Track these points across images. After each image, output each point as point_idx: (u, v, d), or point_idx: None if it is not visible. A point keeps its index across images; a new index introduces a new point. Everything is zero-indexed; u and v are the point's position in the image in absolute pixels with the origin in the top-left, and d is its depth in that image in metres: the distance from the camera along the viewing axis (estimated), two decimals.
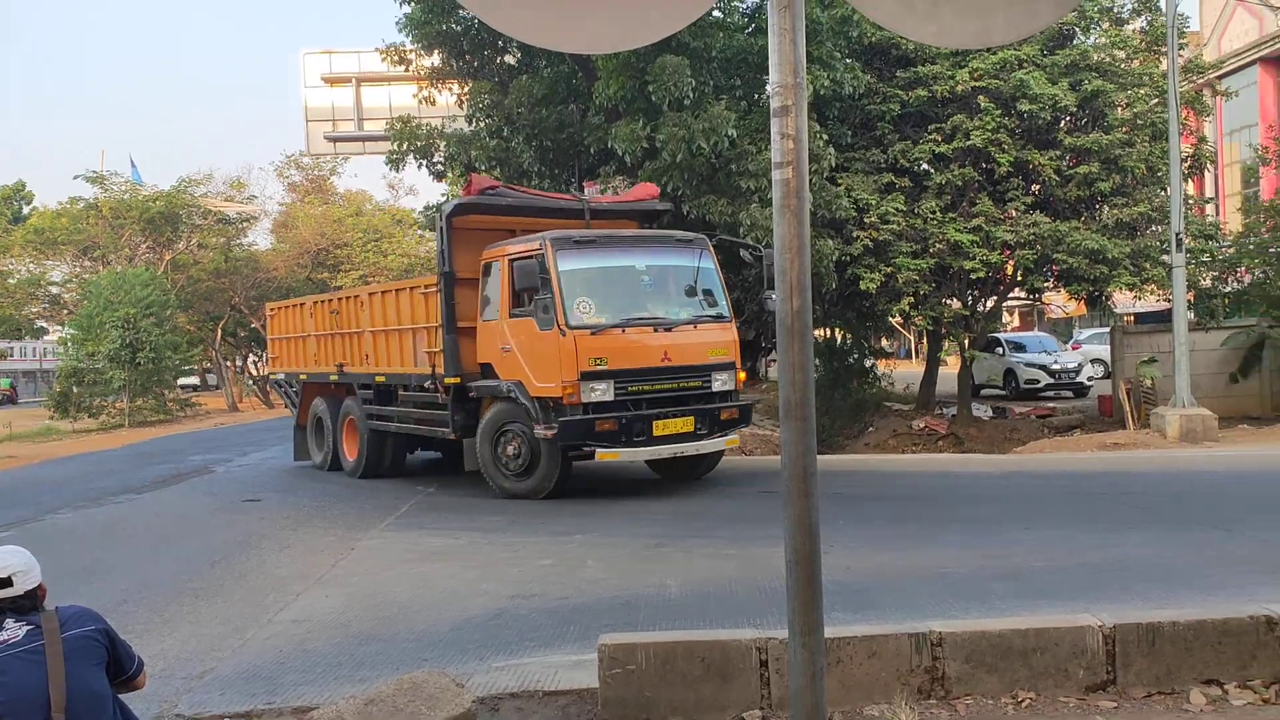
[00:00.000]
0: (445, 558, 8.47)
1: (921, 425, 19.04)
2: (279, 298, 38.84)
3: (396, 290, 13.26)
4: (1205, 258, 18.31)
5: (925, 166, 16.94)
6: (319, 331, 14.89)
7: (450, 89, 17.77)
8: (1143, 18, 18.28)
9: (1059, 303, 29.38)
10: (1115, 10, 18.19)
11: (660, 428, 10.73)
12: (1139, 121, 17.28)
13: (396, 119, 17.17)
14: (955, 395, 20.44)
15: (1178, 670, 4.36)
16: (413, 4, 15.95)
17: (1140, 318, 23.25)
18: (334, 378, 14.46)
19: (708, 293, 11.56)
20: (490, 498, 11.40)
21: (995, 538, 8.10)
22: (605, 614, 6.24)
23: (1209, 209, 32.45)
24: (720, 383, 11.25)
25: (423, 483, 13.16)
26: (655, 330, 10.95)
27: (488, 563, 8.11)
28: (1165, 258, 16.20)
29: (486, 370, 11.46)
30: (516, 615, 6.41)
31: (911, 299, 16.26)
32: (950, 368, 24.82)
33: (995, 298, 19.17)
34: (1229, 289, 19.66)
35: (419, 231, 37.71)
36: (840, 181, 15.86)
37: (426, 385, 12.17)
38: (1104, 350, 23.21)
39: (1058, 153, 16.71)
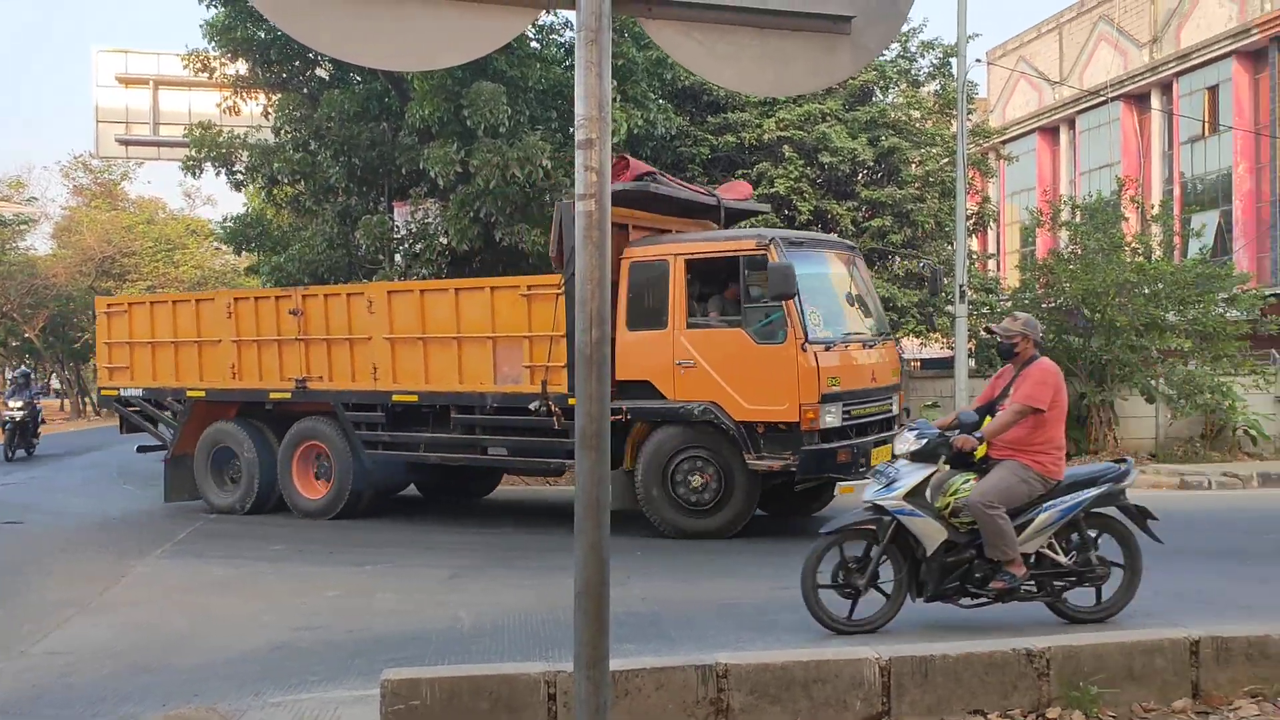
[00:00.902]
0: (226, 587, 8.05)
1: None
2: (58, 306, 36.40)
3: (460, 290, 10.90)
4: (985, 309, 19.56)
5: None
6: (245, 336, 11.77)
7: (256, 99, 17.11)
8: (937, 82, 19.50)
9: None
10: (913, 73, 19.32)
11: (875, 457, 9.50)
12: (930, 179, 18.36)
13: (196, 125, 16.40)
14: None
15: (948, 700, 4.58)
16: (218, 8, 15.31)
17: (925, 363, 24.60)
18: (277, 396, 11.65)
19: (876, 307, 10.94)
20: (281, 525, 10.91)
21: (786, 569, 8.33)
22: (394, 647, 6.06)
23: (990, 264, 34.74)
24: (896, 406, 10.63)
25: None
26: (864, 347, 10.09)
27: (272, 593, 7.76)
28: (950, 308, 17.21)
29: (634, 388, 9.85)
30: (299, 648, 6.14)
31: None
32: None
33: None
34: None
35: (214, 244, 35.99)
36: None
37: (533, 406, 10.02)
38: None
39: (855, 204, 17.55)
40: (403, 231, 15.21)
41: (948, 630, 6.10)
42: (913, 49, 19.17)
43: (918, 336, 19.70)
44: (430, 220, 15.03)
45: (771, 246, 9.43)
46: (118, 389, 12.84)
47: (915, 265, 17.72)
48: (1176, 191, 31.52)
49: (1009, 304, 19.63)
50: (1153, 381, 16.66)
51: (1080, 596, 6.31)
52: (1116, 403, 17.20)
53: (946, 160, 18.44)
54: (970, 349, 19.45)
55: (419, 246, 14.88)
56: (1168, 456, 16.52)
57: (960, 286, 16.14)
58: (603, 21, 2.83)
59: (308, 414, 11.62)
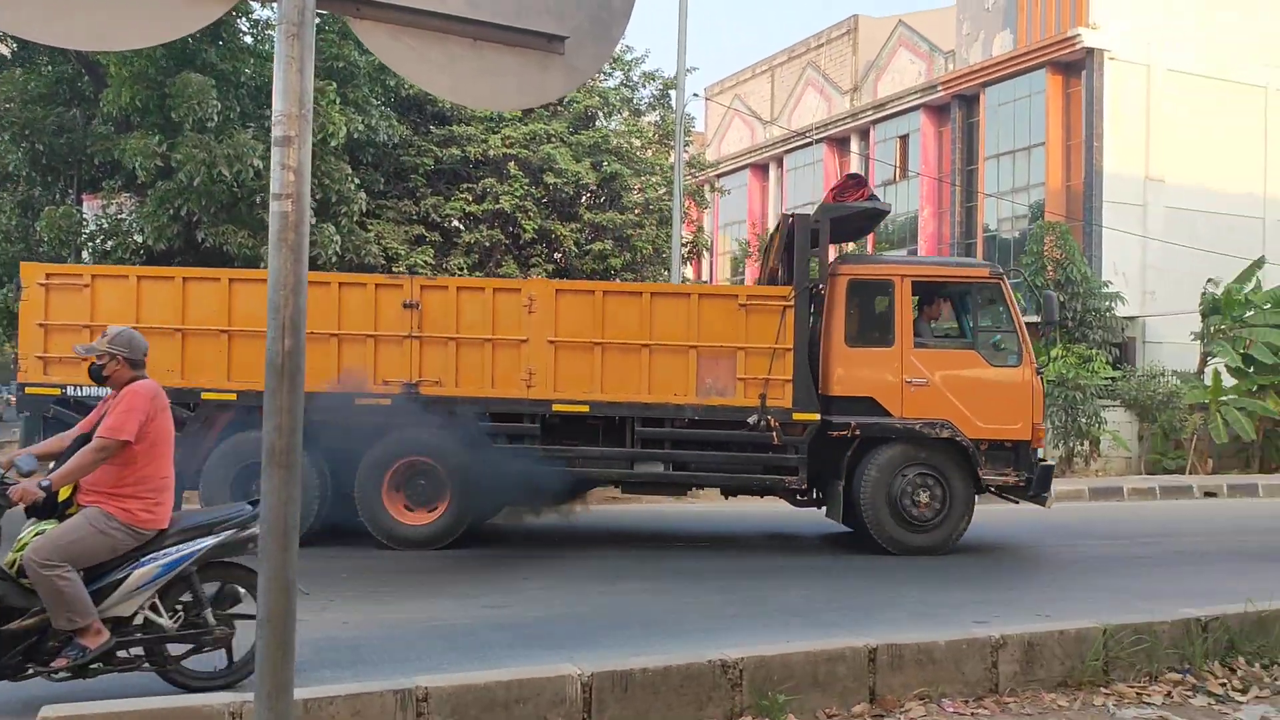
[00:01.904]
0: None
1: None
2: None
3: (655, 294, 10.15)
4: None
5: (456, 224, 17.32)
6: (320, 329, 9.53)
7: None
8: (657, 112, 20.18)
9: None
10: (635, 102, 19.90)
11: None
12: (650, 206, 18.95)
13: None
14: None
15: (646, 713, 4.67)
16: None
17: None
18: (369, 401, 9.67)
19: None
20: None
21: (499, 589, 8.27)
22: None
23: None
24: None
25: None
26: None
27: None
28: None
29: (851, 405, 9.86)
30: None
31: None
32: None
33: None
34: None
35: None
36: (370, 228, 15.72)
37: (751, 420, 9.66)
38: None
39: (578, 226, 17.82)
40: (92, 226, 13.98)
41: (652, 638, 6.25)
42: (635, 78, 19.78)
43: None
44: (125, 216, 13.92)
45: (1004, 277, 10.19)
46: (61, 387, 9.74)
47: None
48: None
49: None
50: None
51: (209, 660, 5.39)
52: None
53: (665, 189, 19.08)
54: None
55: (110, 244, 13.74)
56: None
57: None
58: (305, 16, 2.70)
59: (401, 424, 9.80)
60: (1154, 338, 26.59)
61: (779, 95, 40.55)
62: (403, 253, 15.92)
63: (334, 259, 13.71)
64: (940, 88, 31.49)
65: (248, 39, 14.57)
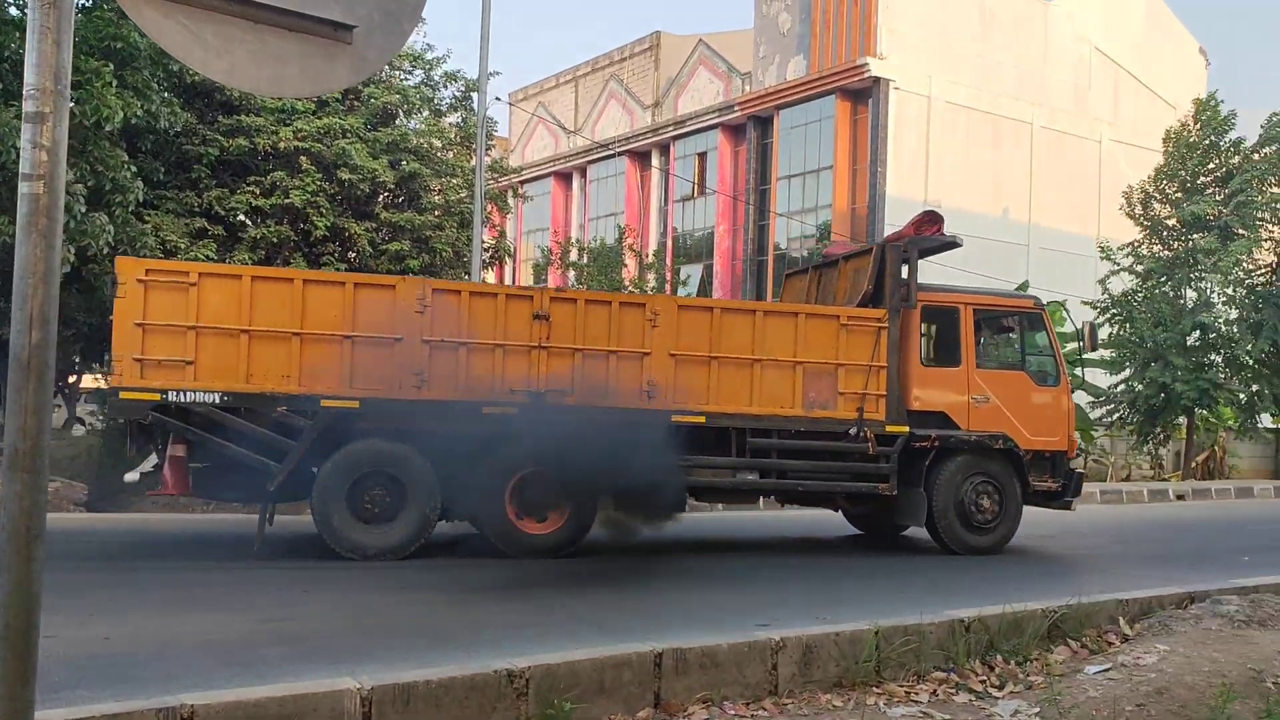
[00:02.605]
0: None
1: None
2: None
3: (767, 313, 10.75)
4: None
5: (242, 218, 16.54)
6: (446, 337, 9.48)
7: None
8: (459, 114, 19.93)
9: None
10: (436, 102, 19.59)
11: None
12: (450, 209, 18.67)
13: None
14: None
15: None
16: None
17: None
18: (494, 410, 9.50)
19: None
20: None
21: (276, 602, 7.92)
22: None
23: None
24: None
25: None
26: None
27: None
28: None
29: (926, 419, 10.80)
30: None
31: None
32: None
33: None
34: None
35: None
36: (148, 219, 14.81)
37: (852, 432, 10.37)
38: None
39: (374, 225, 17.36)
40: None
41: (439, 649, 6.13)
42: (437, 78, 19.48)
43: None
44: None
45: (1045, 308, 11.76)
46: (161, 392, 8.95)
47: None
48: (669, 244, 34.89)
49: None
50: None
51: None
52: None
53: (466, 192, 18.86)
54: None
55: None
56: None
57: None
58: None
59: (524, 434, 9.53)
60: None
61: (583, 105, 40.88)
62: (182, 246, 15.06)
63: (105, 250, 12.84)
64: (737, 108, 32.52)
65: (13, 10, 13.50)
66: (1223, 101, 24.83)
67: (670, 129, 35.41)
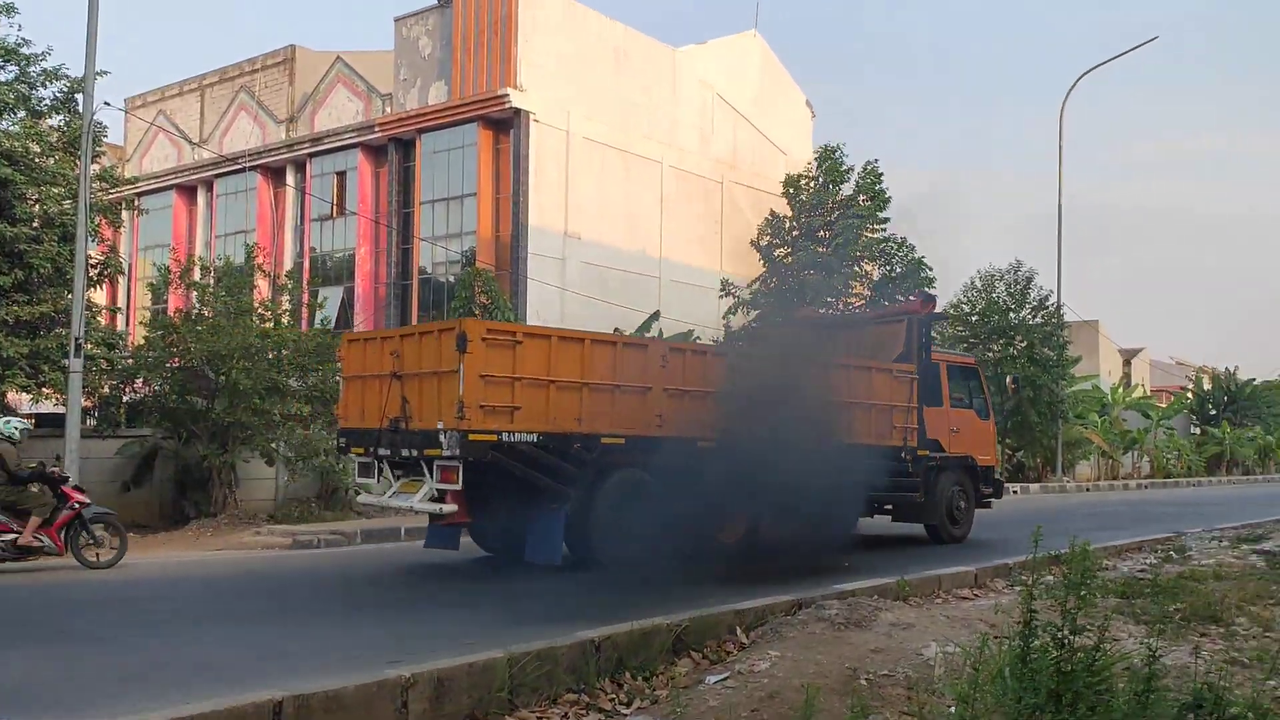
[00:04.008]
0: None
1: None
2: None
3: (872, 369, 13.65)
4: (106, 365, 18.41)
5: None
6: (677, 386, 11.64)
7: None
8: (62, 116, 18.04)
9: None
10: (33, 102, 17.62)
11: None
12: (51, 220, 16.84)
13: None
14: None
15: None
16: None
17: (41, 420, 22.27)
18: (705, 444, 11.38)
19: None
20: None
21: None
22: None
23: (118, 318, 32.97)
24: None
25: None
26: None
27: None
28: (65, 361, 15.85)
29: (929, 444, 14.11)
30: None
31: None
32: None
33: None
34: (128, 398, 20.03)
35: None
36: None
37: (904, 455, 13.63)
38: None
39: None
40: None
41: None
42: (34, 74, 17.52)
43: (27, 391, 17.78)
44: None
45: (982, 364, 16.42)
46: (497, 433, 10.30)
47: (29, 313, 16.01)
48: (306, 264, 33.49)
49: (131, 361, 18.80)
50: (274, 444, 17.21)
51: None
52: (239, 465, 17.40)
53: (70, 201, 17.10)
54: (88, 407, 18.15)
55: None
56: (285, 517, 17.14)
57: (77, 340, 14.95)
58: None
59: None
60: None
61: (210, 116, 38.44)
62: None
63: None
64: (378, 128, 31.90)
65: None
66: (843, 152, 27.58)
67: (307, 145, 34.07)
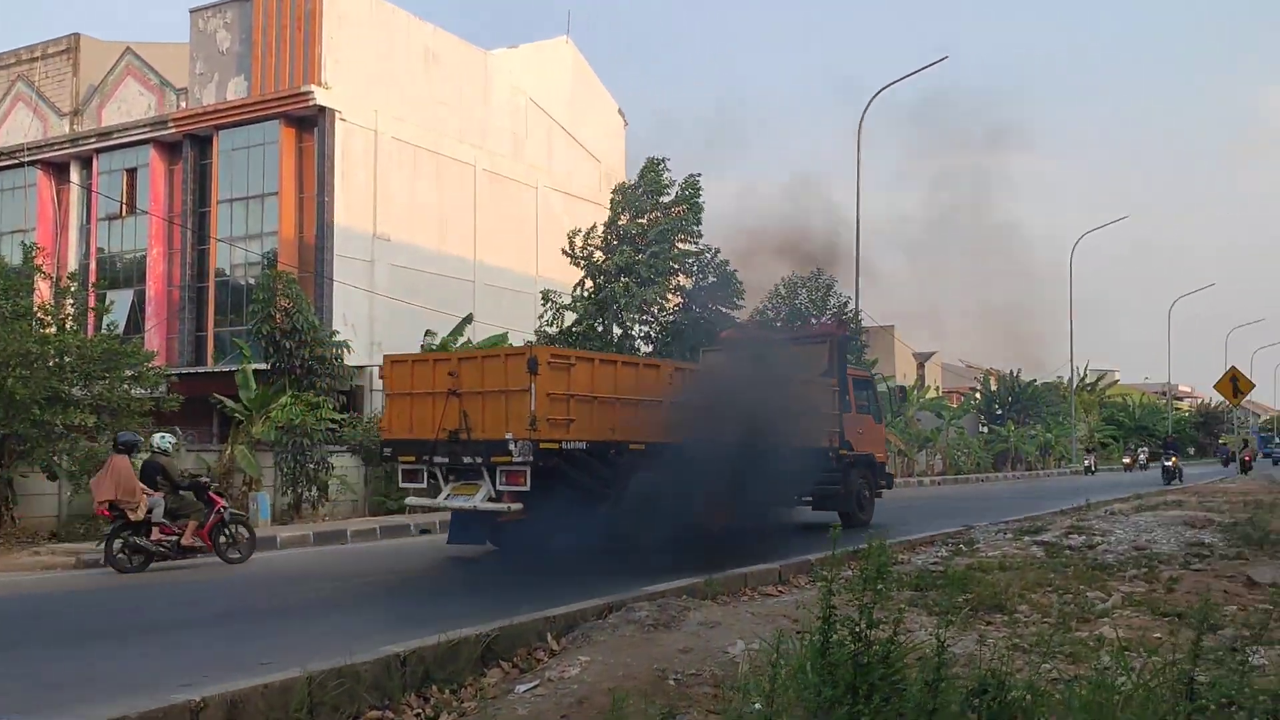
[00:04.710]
0: None
1: None
2: None
3: (812, 383, 16.19)
4: None
5: None
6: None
7: None
8: None
9: None
10: None
11: None
12: None
13: None
14: None
15: None
16: None
17: None
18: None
19: None
20: None
21: None
22: None
23: None
24: None
25: None
26: None
27: None
28: None
29: (845, 445, 16.60)
30: None
31: None
32: None
33: None
34: None
35: None
36: None
37: (830, 454, 16.06)
38: None
39: None
40: None
41: None
42: None
43: None
44: None
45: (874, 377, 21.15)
46: (559, 442, 12.06)
47: None
48: (92, 266, 31.48)
49: None
50: (56, 458, 16.07)
51: None
52: (16, 480, 16.18)
53: None
54: None
55: None
56: (70, 535, 16.03)
57: None
58: None
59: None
60: (380, 386, 28.31)
61: None
62: None
63: None
64: (171, 124, 30.34)
65: None
66: (666, 165, 27.87)
67: (94, 140, 32.04)
